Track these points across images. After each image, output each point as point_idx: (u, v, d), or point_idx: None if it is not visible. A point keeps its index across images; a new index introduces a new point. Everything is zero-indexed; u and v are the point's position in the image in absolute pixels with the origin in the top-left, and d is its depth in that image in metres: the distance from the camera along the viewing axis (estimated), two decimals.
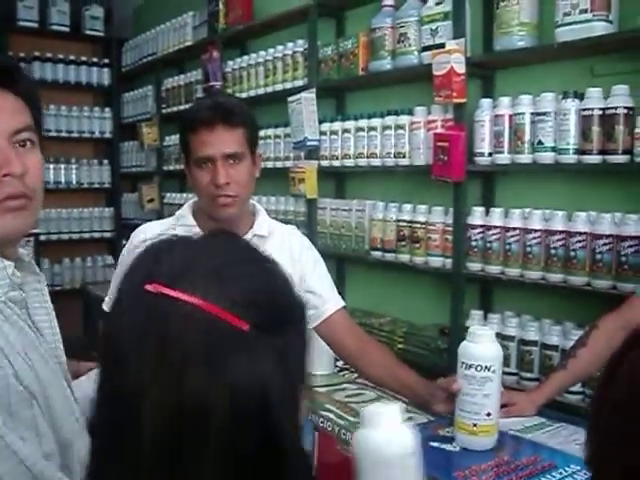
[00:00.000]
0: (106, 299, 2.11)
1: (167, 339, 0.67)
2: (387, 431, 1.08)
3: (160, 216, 5.33)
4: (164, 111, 5.44)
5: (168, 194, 5.40)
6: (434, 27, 3.00)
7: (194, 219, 2.02)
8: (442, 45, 2.90)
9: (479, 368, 1.57)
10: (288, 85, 3.90)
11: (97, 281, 6.17)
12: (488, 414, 1.59)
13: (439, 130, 2.98)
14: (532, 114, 2.64)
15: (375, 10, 3.41)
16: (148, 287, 0.70)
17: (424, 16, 3.05)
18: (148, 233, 2.05)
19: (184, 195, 5.13)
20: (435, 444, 1.66)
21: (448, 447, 1.64)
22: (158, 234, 2.01)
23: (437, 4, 3.01)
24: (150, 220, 5.25)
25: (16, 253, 1.19)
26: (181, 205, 4.88)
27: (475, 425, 1.59)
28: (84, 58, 6.29)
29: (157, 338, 0.67)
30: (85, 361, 1.80)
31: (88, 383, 1.57)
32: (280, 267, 0.79)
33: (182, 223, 2.04)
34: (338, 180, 3.82)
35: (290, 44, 3.91)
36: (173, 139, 5.28)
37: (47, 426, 1.08)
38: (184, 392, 0.66)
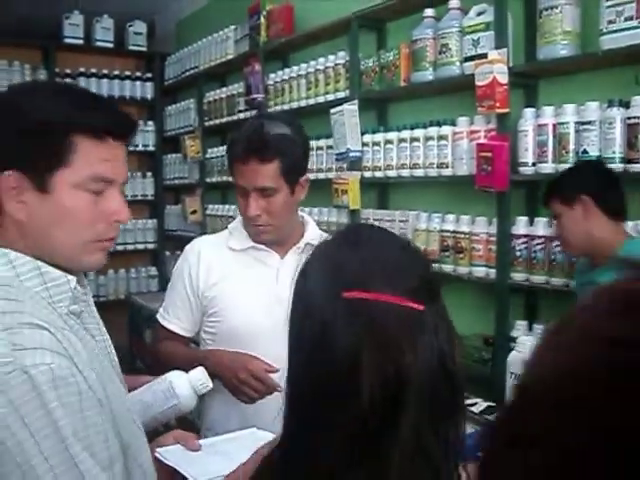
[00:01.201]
0: (160, 310, 2.16)
1: (375, 333, 0.82)
2: None
3: (203, 227, 5.40)
4: (206, 124, 5.51)
5: (210, 206, 5.46)
6: (476, 37, 3.00)
7: (246, 231, 2.06)
8: (484, 55, 2.90)
9: None
10: (330, 97, 3.93)
11: (141, 292, 6.26)
12: None
13: (482, 140, 2.98)
14: (576, 123, 2.63)
15: (415, 21, 3.42)
16: (345, 295, 0.84)
17: (465, 27, 3.06)
18: (203, 246, 2.11)
19: (226, 207, 5.18)
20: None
21: None
22: (210, 249, 2.09)
23: (478, 15, 3.01)
24: (193, 231, 5.37)
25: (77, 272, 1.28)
26: (223, 217, 4.98)
27: None
28: (128, 73, 6.41)
29: (368, 333, 0.82)
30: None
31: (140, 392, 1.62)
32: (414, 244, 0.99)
33: (235, 236, 2.07)
34: (380, 191, 3.83)
35: (331, 56, 3.94)
36: (215, 151, 5.35)
37: (112, 430, 1.12)
38: (392, 368, 0.81)
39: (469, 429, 1.97)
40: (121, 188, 1.25)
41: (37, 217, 1.17)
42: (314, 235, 2.07)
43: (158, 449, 1.41)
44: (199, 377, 1.65)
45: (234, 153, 1.95)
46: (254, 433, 1.63)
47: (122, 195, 1.25)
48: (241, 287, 2.02)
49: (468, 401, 2.34)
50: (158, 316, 2.16)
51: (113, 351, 1.35)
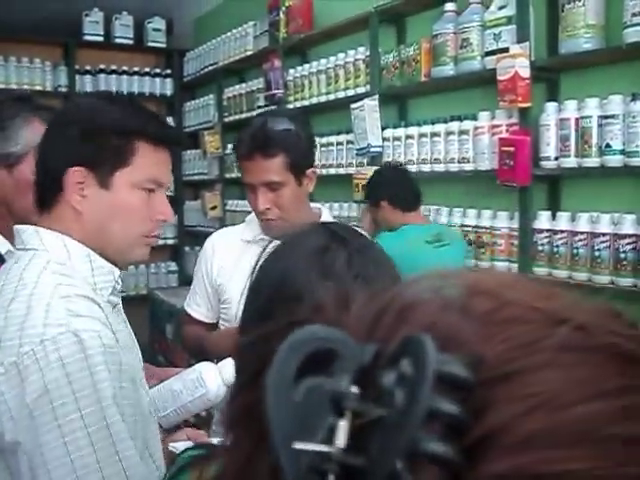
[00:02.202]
0: (187, 299, 2.26)
1: None
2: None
3: (222, 222, 5.42)
4: (226, 119, 5.53)
5: (230, 201, 5.48)
6: (497, 32, 2.99)
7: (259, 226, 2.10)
8: (506, 49, 2.89)
9: None
10: (350, 92, 3.93)
11: (161, 287, 6.29)
12: None
13: (504, 135, 2.97)
14: (600, 117, 2.61)
15: (436, 16, 3.42)
16: None
17: (487, 21, 3.05)
18: (218, 236, 2.23)
19: (246, 202, 5.16)
20: None
21: None
22: (225, 241, 2.18)
23: (500, 8, 3.00)
24: (213, 227, 5.40)
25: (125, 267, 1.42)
26: (243, 212, 5.01)
27: None
28: (147, 69, 6.43)
29: None
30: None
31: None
32: None
33: (250, 227, 2.12)
34: None
35: (351, 51, 3.94)
36: None
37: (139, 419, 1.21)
38: None
39: None
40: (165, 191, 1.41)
41: (96, 211, 1.29)
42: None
43: (172, 444, 1.48)
44: (228, 368, 1.67)
45: (240, 151, 2.01)
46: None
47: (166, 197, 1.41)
48: (246, 274, 2.04)
49: None
50: (185, 303, 2.28)
51: (137, 347, 1.43)
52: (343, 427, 0.34)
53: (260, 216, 2.02)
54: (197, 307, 2.22)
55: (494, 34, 3.01)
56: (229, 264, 2.11)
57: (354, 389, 0.35)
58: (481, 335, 0.36)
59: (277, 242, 0.93)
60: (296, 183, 2.00)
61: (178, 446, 1.45)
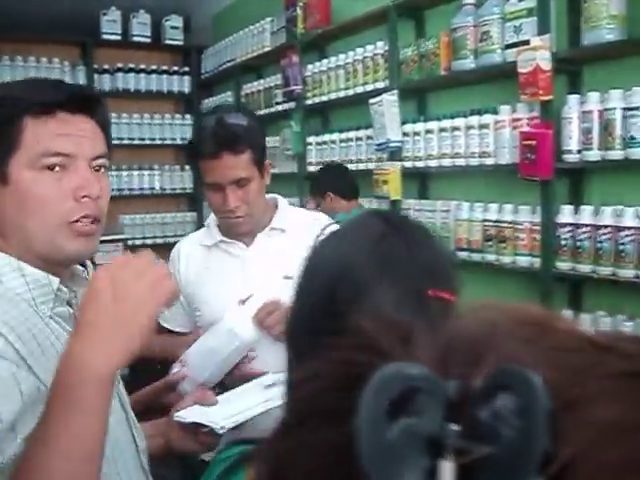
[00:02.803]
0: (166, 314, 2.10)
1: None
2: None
3: None
4: None
5: None
6: (518, 24, 2.96)
7: (223, 226, 2.09)
8: (526, 42, 2.86)
9: None
10: (369, 87, 3.91)
11: None
12: None
13: (525, 128, 2.94)
14: (623, 109, 2.58)
15: (454, 9, 3.39)
16: (430, 293, 0.82)
17: (507, 13, 3.02)
18: (182, 245, 2.18)
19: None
20: None
21: None
22: (187, 249, 2.13)
23: (520, 0, 2.97)
24: None
25: (69, 271, 1.23)
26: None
27: None
28: (165, 67, 6.43)
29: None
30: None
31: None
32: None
33: (208, 232, 2.12)
34: (421, 181, 3.81)
35: (370, 46, 3.92)
36: None
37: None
38: None
39: None
40: (92, 163, 1.18)
41: (5, 210, 1.13)
42: (281, 221, 2.08)
43: (177, 413, 1.43)
44: (253, 303, 1.66)
45: (205, 151, 1.95)
46: (267, 376, 1.68)
47: (90, 169, 1.17)
48: (212, 280, 2.06)
49: None
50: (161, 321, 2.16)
51: None
52: (449, 467, 0.33)
53: (228, 214, 1.97)
54: (172, 319, 2.13)
55: (514, 26, 2.98)
56: (194, 271, 2.09)
57: (453, 427, 0.34)
58: (541, 363, 0.36)
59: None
60: (259, 177, 1.98)
61: (184, 415, 1.43)
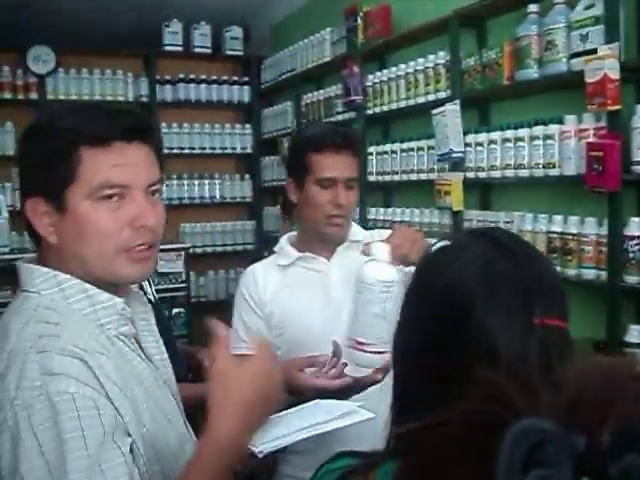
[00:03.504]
0: (236, 334, 2.08)
1: (555, 357, 0.81)
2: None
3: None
4: (304, 126, 5.54)
5: None
6: (584, 32, 2.90)
7: (294, 248, 2.10)
8: (593, 51, 2.80)
9: None
10: (430, 97, 3.89)
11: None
12: None
13: (592, 139, 2.88)
14: None
15: (517, 18, 3.35)
16: (536, 321, 0.82)
17: (573, 21, 2.97)
18: (254, 269, 2.18)
19: None
20: None
21: None
22: (263, 272, 2.14)
23: (587, 8, 2.91)
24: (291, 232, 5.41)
25: (129, 290, 1.29)
26: None
27: None
28: (225, 77, 6.51)
29: (554, 356, 0.81)
30: None
31: None
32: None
33: (282, 254, 2.13)
34: (483, 192, 3.77)
35: (431, 56, 3.90)
36: None
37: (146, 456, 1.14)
38: None
39: None
40: (147, 190, 1.21)
41: (64, 238, 1.17)
42: (357, 233, 2.12)
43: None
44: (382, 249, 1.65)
45: (324, 144, 2.01)
46: (317, 403, 1.64)
47: (146, 197, 1.20)
48: (294, 297, 2.08)
49: None
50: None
51: (170, 371, 1.37)
52: None
53: (332, 215, 2.03)
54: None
55: (581, 35, 2.92)
56: (272, 290, 2.10)
57: None
58: None
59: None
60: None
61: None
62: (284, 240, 2.20)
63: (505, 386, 0.43)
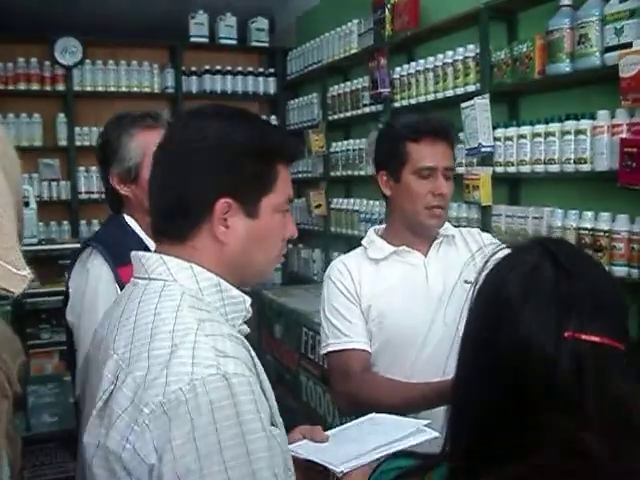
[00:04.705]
0: (329, 342, 2.05)
1: (601, 381, 0.80)
2: None
3: (327, 221, 5.44)
4: (330, 118, 5.52)
5: (334, 199, 5.48)
6: (619, 26, 2.85)
7: (385, 241, 2.06)
8: (628, 45, 2.76)
9: None
10: (459, 90, 3.85)
11: (264, 283, 6.36)
12: None
13: (625, 135, 2.84)
14: None
15: (548, 11, 3.30)
16: (567, 335, 0.81)
17: (607, 15, 2.91)
18: (345, 262, 2.12)
19: (350, 200, 5.19)
20: None
21: None
22: (355, 266, 2.09)
23: (622, 1, 2.86)
24: (317, 225, 5.42)
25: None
26: (347, 211, 5.00)
27: None
28: (251, 69, 6.51)
29: (589, 372, 0.80)
30: None
31: None
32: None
33: (373, 247, 2.08)
34: (511, 186, 3.73)
35: (460, 49, 3.85)
36: (340, 145, 5.35)
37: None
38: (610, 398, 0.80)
39: None
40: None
41: (240, 239, 1.25)
42: (448, 228, 2.10)
43: (289, 447, 1.39)
44: None
45: (420, 133, 1.98)
46: (373, 418, 1.63)
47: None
48: (393, 291, 2.03)
49: None
50: (330, 348, 2.04)
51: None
52: None
53: (434, 202, 1.99)
54: (360, 337, 2.01)
55: (615, 28, 2.87)
56: (369, 283, 2.04)
57: None
58: None
59: None
60: None
61: (298, 450, 1.41)
62: (372, 233, 2.16)
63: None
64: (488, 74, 3.62)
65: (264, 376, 1.21)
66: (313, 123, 5.82)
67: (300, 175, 6.23)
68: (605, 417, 0.77)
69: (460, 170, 3.83)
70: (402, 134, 2.01)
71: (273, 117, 6.57)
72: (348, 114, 5.20)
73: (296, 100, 6.33)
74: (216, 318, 1.18)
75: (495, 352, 0.84)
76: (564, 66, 3.14)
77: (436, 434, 1.41)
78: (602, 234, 3.02)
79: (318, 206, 5.64)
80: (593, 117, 3.05)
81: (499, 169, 3.56)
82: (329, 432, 1.51)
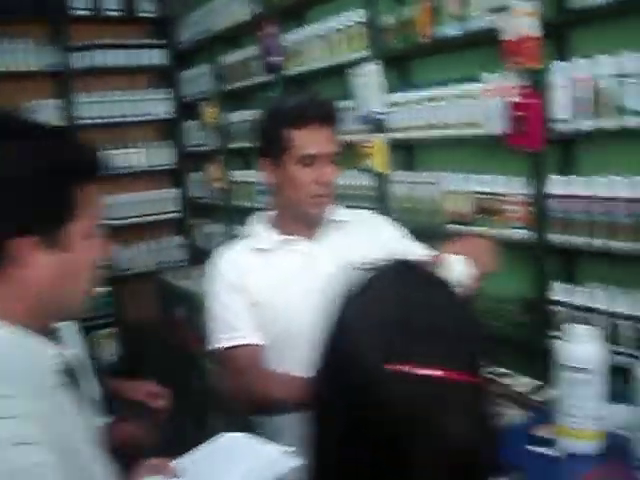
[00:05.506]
0: (219, 337, 1.96)
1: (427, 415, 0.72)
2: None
3: (227, 194, 5.32)
4: (223, 88, 5.37)
5: (234, 172, 5.37)
6: None
7: (272, 230, 1.97)
8: (512, 7, 2.73)
9: (579, 370, 1.46)
10: (350, 57, 3.75)
11: (170, 263, 6.23)
12: (592, 417, 1.49)
13: (514, 98, 2.83)
14: (615, 76, 2.47)
15: None
16: (389, 367, 0.72)
17: None
18: (229, 253, 2.01)
19: (250, 172, 5.08)
20: (534, 448, 1.56)
21: (549, 452, 1.54)
22: (242, 257, 1.98)
23: None
24: (218, 199, 5.30)
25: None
26: (247, 183, 4.91)
27: (579, 428, 1.49)
28: (140, 40, 6.25)
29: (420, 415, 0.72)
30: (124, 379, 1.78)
31: None
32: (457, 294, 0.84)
33: (259, 237, 1.98)
34: (407, 153, 3.70)
35: (349, 14, 3.76)
36: (236, 116, 5.23)
37: None
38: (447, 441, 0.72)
39: (516, 414, 1.89)
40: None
41: (45, 277, 1.12)
42: (341, 212, 2.03)
43: None
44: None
45: (302, 119, 1.86)
46: (229, 444, 1.53)
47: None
48: (282, 281, 1.94)
49: (510, 380, 2.24)
50: (220, 344, 1.94)
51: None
52: None
53: (316, 194, 1.89)
54: (247, 331, 1.91)
55: None
56: (256, 276, 1.94)
57: None
58: None
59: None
60: None
61: None
62: (255, 221, 2.04)
63: None
64: (377, 39, 3.55)
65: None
66: (207, 94, 5.66)
67: (197, 148, 6.08)
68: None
69: (354, 137, 3.78)
70: (283, 120, 1.89)
71: (167, 90, 6.35)
72: (242, 84, 5.06)
73: (190, 71, 6.14)
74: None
75: (330, 379, 0.78)
76: (450, 29, 3.11)
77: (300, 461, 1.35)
78: (497, 197, 3.03)
79: (217, 179, 5.51)
80: (482, 80, 3.03)
81: (393, 135, 3.52)
82: (180, 462, 1.42)
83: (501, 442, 0.80)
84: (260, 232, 1.99)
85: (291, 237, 1.96)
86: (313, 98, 1.96)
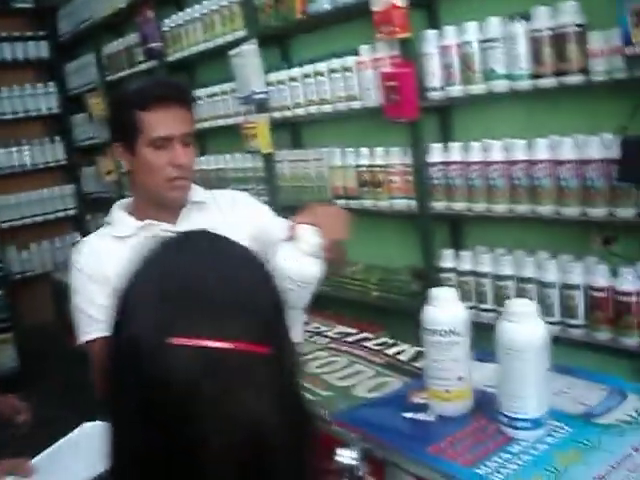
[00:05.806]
0: (84, 329, 1.83)
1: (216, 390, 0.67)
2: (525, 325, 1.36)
3: (120, 186, 5.19)
4: (108, 78, 5.22)
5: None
6: None
7: (131, 216, 1.90)
8: None
9: (444, 333, 1.47)
10: (228, 37, 3.68)
11: (67, 260, 6.03)
12: (459, 378, 1.50)
13: (387, 69, 2.83)
14: (480, 41, 2.50)
15: None
16: (169, 342, 0.67)
17: None
18: (88, 244, 1.91)
19: None
20: (409, 415, 1.56)
21: (422, 417, 1.54)
22: (101, 246, 1.87)
23: None
24: (112, 192, 5.15)
25: None
26: None
27: (447, 391, 1.50)
28: (18, 33, 5.99)
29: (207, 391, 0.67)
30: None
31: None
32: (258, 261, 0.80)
33: (119, 225, 1.91)
34: (293, 131, 3.68)
35: None
36: None
37: None
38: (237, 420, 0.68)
39: (397, 381, 1.90)
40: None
41: None
42: (199, 194, 1.96)
43: None
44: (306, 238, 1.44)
45: (149, 100, 1.76)
46: (83, 428, 1.52)
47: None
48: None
49: (395, 348, 2.25)
50: (84, 337, 1.81)
51: None
52: None
53: (172, 177, 1.79)
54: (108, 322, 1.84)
55: None
56: (115, 265, 1.81)
57: None
58: None
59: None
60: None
61: None
62: (116, 209, 1.94)
63: None
64: (254, 18, 3.49)
65: None
66: (93, 85, 5.49)
67: (87, 142, 5.90)
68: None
69: (238, 119, 3.73)
70: (130, 102, 1.80)
71: (51, 83, 6.13)
72: (126, 73, 4.92)
73: (73, 63, 5.95)
74: None
75: (117, 360, 0.73)
76: (323, 3, 3.08)
77: None
78: (379, 169, 3.05)
79: (109, 172, 5.37)
80: (357, 53, 3.02)
81: (276, 114, 3.49)
82: (35, 460, 1.37)
83: (310, 421, 0.78)
84: (120, 219, 1.92)
85: (151, 222, 1.90)
86: (159, 79, 1.89)
